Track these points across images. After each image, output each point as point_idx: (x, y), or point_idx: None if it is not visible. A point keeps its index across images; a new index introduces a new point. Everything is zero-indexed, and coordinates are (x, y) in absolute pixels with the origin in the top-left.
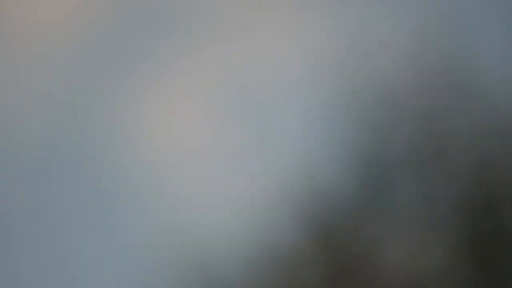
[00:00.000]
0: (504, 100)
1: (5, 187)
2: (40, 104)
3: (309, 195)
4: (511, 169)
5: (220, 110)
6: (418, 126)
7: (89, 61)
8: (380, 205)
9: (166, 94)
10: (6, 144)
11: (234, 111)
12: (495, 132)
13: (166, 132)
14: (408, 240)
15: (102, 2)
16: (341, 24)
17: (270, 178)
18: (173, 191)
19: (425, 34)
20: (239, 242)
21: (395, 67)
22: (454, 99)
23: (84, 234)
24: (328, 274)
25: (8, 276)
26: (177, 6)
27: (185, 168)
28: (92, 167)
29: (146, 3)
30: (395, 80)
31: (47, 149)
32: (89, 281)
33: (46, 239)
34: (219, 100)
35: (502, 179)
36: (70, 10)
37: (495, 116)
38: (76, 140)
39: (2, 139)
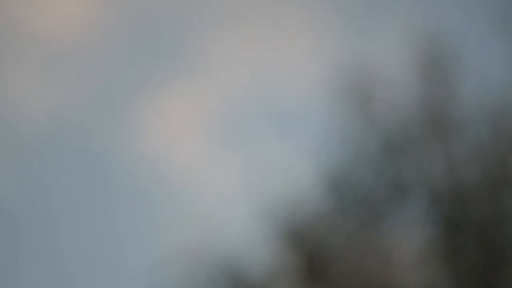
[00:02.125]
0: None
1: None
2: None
3: (294, 213)
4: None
5: (218, 134)
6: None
7: (100, 92)
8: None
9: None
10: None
11: (232, 135)
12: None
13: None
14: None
15: (103, 35)
16: (335, 58)
17: (261, 197)
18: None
19: (428, 69)
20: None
21: (394, 100)
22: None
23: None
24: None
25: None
26: (177, 34)
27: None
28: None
29: (146, 31)
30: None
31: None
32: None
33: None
34: (217, 125)
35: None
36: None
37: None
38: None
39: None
